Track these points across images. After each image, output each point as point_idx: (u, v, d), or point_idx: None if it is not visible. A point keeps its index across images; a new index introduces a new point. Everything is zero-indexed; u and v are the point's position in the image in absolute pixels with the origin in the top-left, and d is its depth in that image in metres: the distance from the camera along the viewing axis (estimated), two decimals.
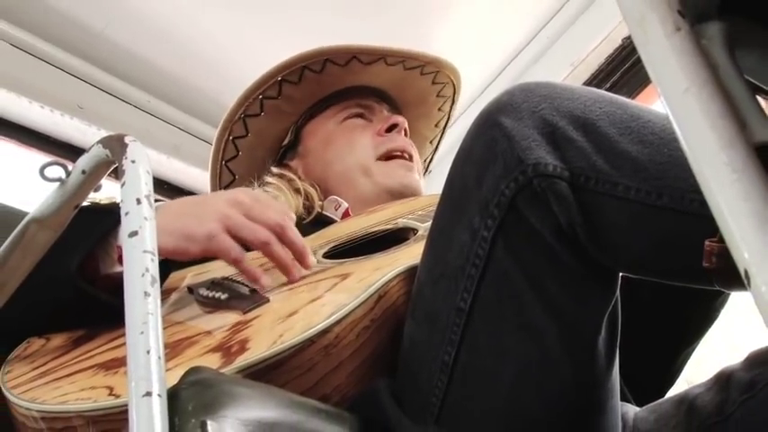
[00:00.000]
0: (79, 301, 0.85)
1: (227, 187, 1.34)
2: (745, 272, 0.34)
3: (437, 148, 1.51)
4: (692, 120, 0.37)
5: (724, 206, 0.35)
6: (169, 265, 0.92)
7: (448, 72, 1.38)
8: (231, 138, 1.31)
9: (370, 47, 1.27)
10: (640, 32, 0.40)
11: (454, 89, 1.42)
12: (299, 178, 1.27)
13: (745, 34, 0.43)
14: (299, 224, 1.09)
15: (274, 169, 1.29)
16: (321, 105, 1.33)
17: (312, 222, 1.19)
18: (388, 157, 1.26)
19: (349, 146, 1.27)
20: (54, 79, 1.66)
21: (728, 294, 0.96)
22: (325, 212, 1.22)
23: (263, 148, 1.34)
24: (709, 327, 1.00)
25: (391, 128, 1.28)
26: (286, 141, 1.34)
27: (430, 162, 1.53)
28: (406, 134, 1.31)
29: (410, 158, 1.28)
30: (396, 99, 1.38)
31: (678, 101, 0.38)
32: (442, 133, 1.49)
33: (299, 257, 0.89)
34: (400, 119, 1.30)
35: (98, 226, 0.85)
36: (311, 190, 1.24)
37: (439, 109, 1.44)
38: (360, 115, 1.32)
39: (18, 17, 1.61)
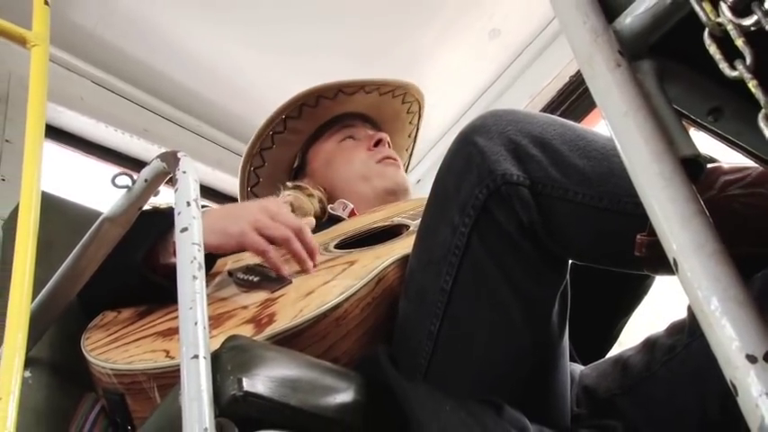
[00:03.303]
0: (143, 285, 0.84)
1: None
2: (674, 260, 0.33)
3: (411, 153, 1.48)
4: (631, 138, 0.36)
5: (656, 207, 0.35)
6: (213, 256, 0.91)
7: (413, 92, 1.35)
8: (252, 168, 1.29)
9: (350, 80, 1.25)
10: (588, 68, 0.39)
11: (419, 105, 1.39)
12: (310, 188, 1.25)
13: (672, 70, 0.42)
14: (317, 223, 1.08)
15: (289, 184, 1.26)
16: (318, 132, 1.30)
17: (326, 221, 1.18)
18: (379, 163, 1.24)
19: (349, 162, 1.24)
20: (125, 109, 1.66)
21: (654, 278, 0.95)
22: (334, 212, 1.20)
23: (279, 172, 1.31)
24: (639, 303, 0.99)
25: (377, 143, 1.26)
26: (296, 164, 1.32)
27: (407, 165, 1.49)
28: (389, 146, 1.29)
29: (396, 161, 1.26)
30: (376, 119, 1.35)
31: (619, 123, 0.37)
32: (414, 141, 1.46)
33: (310, 255, 0.88)
34: (383, 135, 1.27)
35: (157, 226, 0.85)
36: (322, 195, 1.22)
37: (410, 122, 1.41)
38: (350, 136, 1.28)
39: (98, 60, 1.62)
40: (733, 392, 0.32)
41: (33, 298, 0.77)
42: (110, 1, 1.54)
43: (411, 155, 1.48)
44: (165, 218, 0.84)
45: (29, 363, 0.78)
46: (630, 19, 0.41)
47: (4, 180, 1.30)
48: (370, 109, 1.33)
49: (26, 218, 0.78)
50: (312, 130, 1.29)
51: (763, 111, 0.34)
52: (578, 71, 1.72)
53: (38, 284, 0.76)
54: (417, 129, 1.43)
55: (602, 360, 0.87)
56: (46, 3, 0.99)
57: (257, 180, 1.30)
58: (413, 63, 1.76)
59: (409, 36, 1.71)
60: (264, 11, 1.60)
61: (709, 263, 0.32)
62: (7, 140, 1.36)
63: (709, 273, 0.32)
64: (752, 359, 0.31)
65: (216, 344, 0.60)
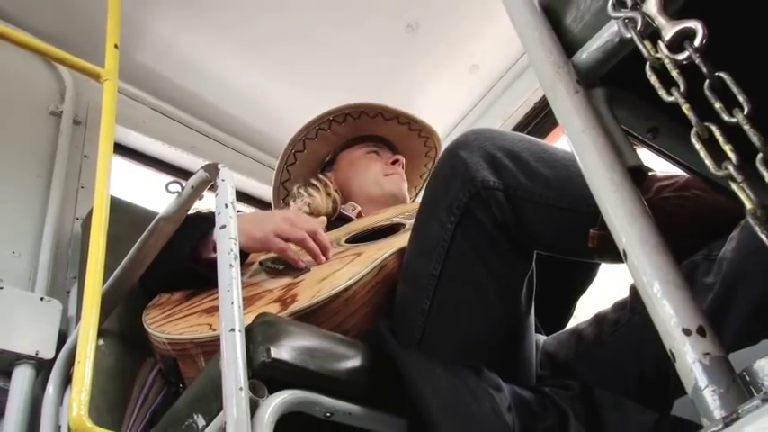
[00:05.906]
0: (189, 274, 0.84)
1: (284, 200, 1.29)
2: (623, 251, 0.32)
3: (418, 193, 1.41)
4: (587, 151, 0.36)
5: (608, 208, 0.34)
6: (244, 253, 0.90)
7: (435, 139, 1.33)
8: (294, 151, 1.26)
9: (390, 107, 1.25)
10: (552, 94, 0.38)
11: (436, 152, 1.35)
12: (331, 184, 1.23)
13: (619, 96, 0.42)
14: (327, 221, 1.07)
15: (319, 176, 1.25)
16: (352, 141, 1.28)
17: (336, 219, 1.17)
18: (390, 174, 1.22)
19: (367, 168, 1.23)
20: (177, 130, 1.67)
21: (600, 264, 0.94)
22: (345, 212, 1.19)
23: (313, 161, 1.28)
24: (590, 285, 0.98)
25: (395, 162, 1.25)
26: (327, 159, 1.29)
27: (414, 199, 1.40)
28: (402, 167, 1.26)
29: (403, 179, 1.25)
30: (400, 150, 1.32)
31: (577, 139, 0.36)
32: (424, 183, 1.40)
33: (323, 252, 0.87)
34: (401, 157, 1.26)
35: (200, 227, 0.84)
36: (337, 196, 1.21)
37: (425, 165, 1.37)
38: (375, 152, 1.27)
39: (157, 91, 1.62)
40: (671, 359, 0.31)
41: (104, 282, 0.77)
42: (167, 44, 1.55)
43: (417, 194, 1.44)
44: (206, 221, 0.84)
45: (101, 333, 0.78)
46: (586, 54, 0.40)
47: (82, 187, 1.31)
48: (399, 142, 1.31)
49: (98, 217, 0.78)
50: (349, 137, 1.27)
51: (694, 129, 0.34)
52: (542, 98, 1.72)
53: (108, 271, 0.77)
54: (429, 174, 1.38)
55: (561, 331, 0.86)
56: (116, 46, 1.00)
57: (294, 161, 1.28)
58: (408, 93, 1.76)
59: (405, 71, 1.71)
60: (294, 51, 1.61)
61: (652, 253, 0.32)
62: (85, 156, 1.38)
63: (652, 261, 0.32)
64: (687, 332, 0.30)
65: (249, 319, 0.60)
